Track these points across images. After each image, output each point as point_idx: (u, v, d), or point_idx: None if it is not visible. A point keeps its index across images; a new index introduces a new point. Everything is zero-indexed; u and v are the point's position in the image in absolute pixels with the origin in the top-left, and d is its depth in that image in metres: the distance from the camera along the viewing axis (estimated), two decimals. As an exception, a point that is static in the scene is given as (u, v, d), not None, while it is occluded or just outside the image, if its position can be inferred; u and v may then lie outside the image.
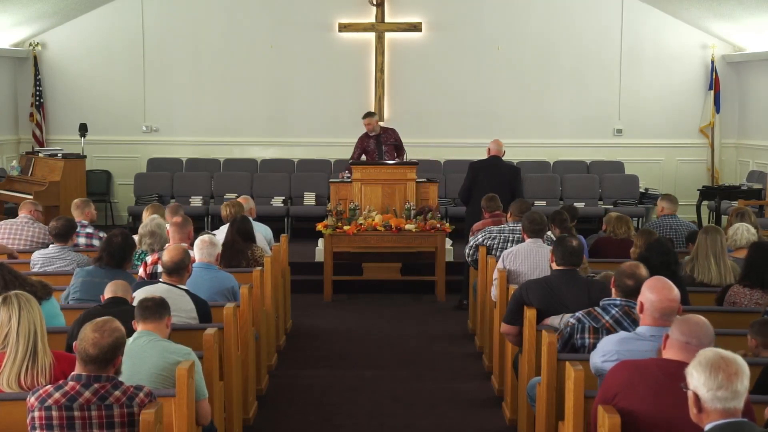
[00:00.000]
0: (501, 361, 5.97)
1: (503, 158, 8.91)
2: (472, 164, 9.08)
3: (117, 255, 5.40)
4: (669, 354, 3.29)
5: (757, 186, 11.24)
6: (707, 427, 2.73)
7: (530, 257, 5.97)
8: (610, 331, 4.21)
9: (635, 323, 4.24)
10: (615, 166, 12.23)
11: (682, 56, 12.36)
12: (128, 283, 4.65)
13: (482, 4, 12.25)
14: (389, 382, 6.37)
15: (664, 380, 3.18)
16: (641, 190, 11.92)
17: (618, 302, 4.31)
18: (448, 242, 9.28)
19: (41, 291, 4.67)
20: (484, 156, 9.00)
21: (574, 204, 10.82)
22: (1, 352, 3.68)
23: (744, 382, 2.72)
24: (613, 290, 4.37)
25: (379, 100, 12.21)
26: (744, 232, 6.06)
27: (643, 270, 4.33)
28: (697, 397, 2.75)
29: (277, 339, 7.00)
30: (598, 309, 4.35)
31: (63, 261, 6.24)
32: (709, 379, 2.71)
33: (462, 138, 12.07)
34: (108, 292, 4.50)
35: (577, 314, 4.38)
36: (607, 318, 4.29)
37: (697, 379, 2.74)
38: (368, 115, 10.11)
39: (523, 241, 6.21)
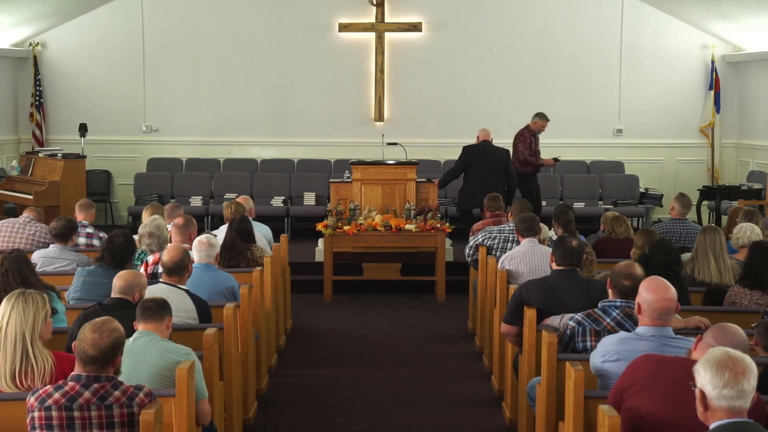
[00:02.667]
0: (501, 361, 5.97)
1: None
2: (465, 148, 9.67)
3: (118, 255, 5.41)
4: (697, 356, 3.28)
5: (757, 186, 11.25)
6: (712, 426, 2.73)
7: (527, 258, 6.00)
8: (612, 333, 4.20)
9: (637, 325, 4.24)
10: (615, 166, 12.23)
11: (682, 56, 12.36)
12: (135, 278, 4.53)
13: (482, 4, 12.25)
14: (389, 382, 6.37)
15: (685, 378, 3.17)
16: (641, 190, 11.92)
17: (618, 303, 4.30)
18: (448, 242, 9.28)
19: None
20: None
21: (575, 204, 10.88)
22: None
23: (751, 382, 2.72)
24: (610, 291, 4.37)
25: (379, 100, 12.21)
26: (747, 231, 6.04)
27: (638, 269, 4.35)
28: (703, 395, 2.75)
29: (277, 339, 7.00)
30: (598, 311, 4.34)
31: (63, 261, 6.24)
32: (715, 377, 2.71)
33: (462, 138, 11.95)
34: (114, 291, 4.46)
35: (576, 316, 4.37)
36: (608, 320, 4.29)
37: (703, 377, 2.74)
38: (547, 118, 10.09)
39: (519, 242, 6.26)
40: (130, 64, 12.29)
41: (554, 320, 4.76)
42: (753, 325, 4.55)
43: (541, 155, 10.05)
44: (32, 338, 3.68)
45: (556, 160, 10.24)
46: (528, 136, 10.01)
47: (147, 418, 3.26)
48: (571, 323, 4.35)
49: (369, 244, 8.88)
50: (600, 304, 4.37)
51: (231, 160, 12.36)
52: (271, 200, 11.44)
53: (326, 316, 8.30)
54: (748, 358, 2.77)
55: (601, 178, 11.95)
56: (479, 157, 9.44)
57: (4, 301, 3.75)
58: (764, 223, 7.06)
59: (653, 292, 3.75)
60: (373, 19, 12.11)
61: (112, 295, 4.47)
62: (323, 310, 8.52)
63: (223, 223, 7.18)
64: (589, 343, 4.29)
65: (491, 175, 9.30)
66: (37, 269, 6.16)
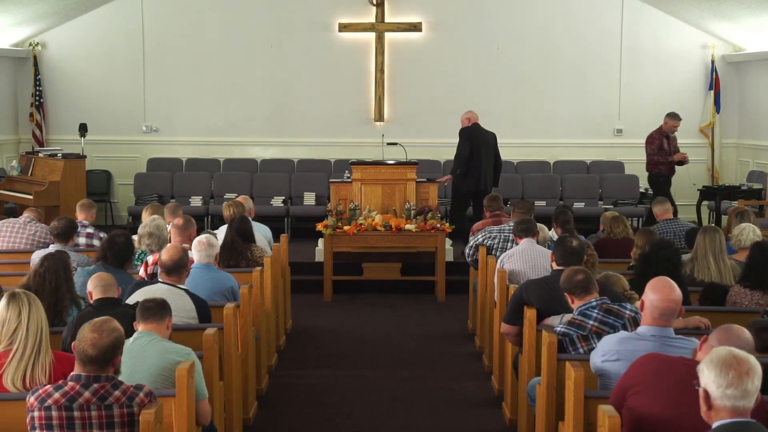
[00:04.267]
0: (501, 361, 5.97)
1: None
2: (465, 130, 9.77)
3: (120, 255, 5.43)
4: (702, 357, 3.28)
5: (757, 186, 11.24)
6: (714, 425, 2.73)
7: (525, 255, 6.03)
8: (599, 334, 4.23)
9: (619, 317, 4.28)
10: (615, 166, 12.22)
11: (682, 56, 12.36)
12: (111, 276, 4.59)
13: (482, 4, 12.25)
14: (389, 382, 6.37)
15: (688, 378, 3.17)
16: (641, 190, 11.91)
17: (594, 303, 4.36)
18: (448, 242, 9.28)
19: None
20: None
21: (574, 204, 10.88)
22: (5, 350, 3.67)
23: (755, 382, 2.71)
24: (574, 299, 4.44)
25: (379, 100, 12.21)
26: (750, 233, 6.03)
27: (581, 267, 4.54)
28: (707, 394, 2.75)
29: (277, 339, 7.00)
30: (578, 317, 4.37)
31: (63, 261, 6.23)
32: (719, 377, 2.71)
33: (462, 138, 12.06)
34: (96, 292, 4.46)
35: (558, 329, 4.39)
36: (591, 322, 4.32)
37: (707, 376, 2.74)
38: (679, 117, 10.19)
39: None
40: (130, 64, 12.29)
41: (554, 320, 4.77)
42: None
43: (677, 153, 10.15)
44: (47, 333, 3.72)
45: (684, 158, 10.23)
46: (658, 138, 10.16)
47: (147, 418, 3.26)
48: (557, 337, 4.36)
49: (369, 244, 8.88)
50: (577, 310, 4.39)
51: (231, 160, 12.35)
52: (271, 200, 11.44)
53: (326, 316, 8.30)
54: (752, 358, 2.77)
55: (601, 178, 11.95)
56: (478, 138, 9.70)
57: (12, 301, 3.72)
58: (763, 223, 7.08)
59: (658, 291, 3.74)
60: (373, 19, 12.11)
61: (96, 297, 4.45)
62: (323, 310, 8.52)
63: (223, 223, 7.18)
64: (581, 350, 4.31)
65: (486, 156, 9.69)
66: (37, 269, 6.18)
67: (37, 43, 12.25)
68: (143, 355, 3.86)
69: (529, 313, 4.87)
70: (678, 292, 3.76)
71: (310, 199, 11.47)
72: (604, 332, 4.22)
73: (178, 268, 4.93)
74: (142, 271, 5.78)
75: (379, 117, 12.22)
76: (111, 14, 12.23)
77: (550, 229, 7.00)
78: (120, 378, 3.38)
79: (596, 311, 4.33)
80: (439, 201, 9.88)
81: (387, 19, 12.09)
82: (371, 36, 12.18)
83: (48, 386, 3.31)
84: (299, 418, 5.67)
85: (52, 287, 4.68)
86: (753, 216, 6.96)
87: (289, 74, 12.32)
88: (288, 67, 12.29)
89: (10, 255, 6.88)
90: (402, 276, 9.06)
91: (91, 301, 4.48)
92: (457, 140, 9.89)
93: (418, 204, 9.25)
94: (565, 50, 12.29)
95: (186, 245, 5.71)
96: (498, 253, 6.67)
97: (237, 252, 6.42)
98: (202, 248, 5.52)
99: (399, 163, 9.61)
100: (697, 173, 12.45)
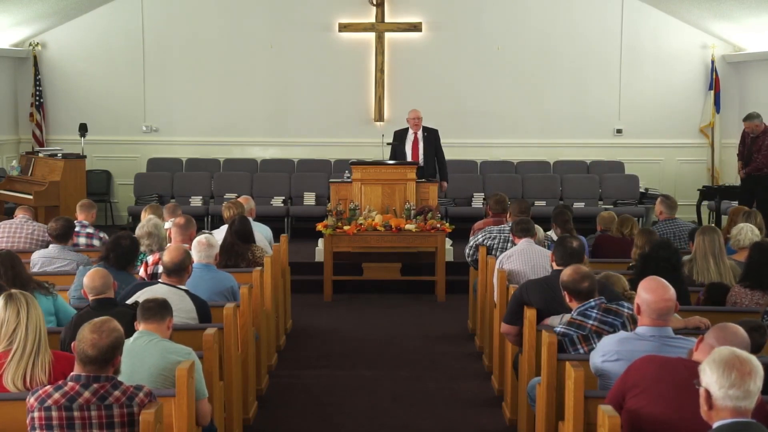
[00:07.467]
0: (501, 361, 5.97)
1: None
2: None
3: (123, 258, 5.42)
4: (699, 356, 3.28)
5: (757, 186, 11.22)
6: (715, 425, 2.73)
7: (524, 256, 6.03)
8: (599, 333, 4.24)
9: (618, 315, 4.29)
10: (615, 166, 12.22)
11: (682, 56, 12.36)
12: (103, 276, 4.56)
13: (482, 4, 12.25)
14: (389, 382, 6.37)
15: (688, 380, 3.17)
16: (641, 190, 11.91)
17: (593, 303, 4.36)
18: (448, 242, 9.28)
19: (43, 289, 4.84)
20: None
21: (574, 204, 10.87)
22: (5, 350, 3.67)
23: (757, 383, 2.71)
24: (574, 302, 4.44)
25: (379, 100, 12.21)
26: (748, 233, 6.02)
27: (584, 267, 4.50)
28: (708, 394, 2.74)
29: (277, 339, 7.00)
30: (577, 317, 4.38)
31: (63, 261, 6.25)
32: (721, 377, 2.71)
33: (462, 138, 12.06)
34: (91, 292, 4.45)
35: (558, 329, 4.40)
36: (590, 322, 4.33)
37: (709, 377, 2.74)
38: (750, 117, 10.13)
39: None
40: (130, 64, 12.29)
41: (554, 320, 4.77)
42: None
43: (757, 156, 10.01)
44: (45, 332, 3.72)
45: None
46: (742, 136, 10.25)
47: (147, 418, 3.26)
48: (557, 337, 4.36)
49: (369, 244, 8.87)
50: (576, 310, 4.40)
51: (231, 160, 12.35)
52: (271, 200, 11.44)
53: (326, 316, 8.30)
54: (754, 359, 2.77)
55: (601, 178, 11.95)
56: None
57: (10, 301, 3.72)
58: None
59: (652, 292, 3.75)
60: (373, 19, 12.11)
61: (92, 297, 4.44)
62: (323, 310, 8.52)
63: (223, 223, 7.17)
64: (581, 350, 4.31)
65: None
66: (37, 269, 6.19)
67: (37, 43, 12.25)
68: (143, 355, 3.86)
69: (529, 313, 4.87)
70: (672, 291, 3.77)
71: (310, 199, 11.47)
72: (604, 331, 4.23)
73: (179, 270, 4.92)
74: (142, 272, 5.78)
75: (379, 117, 12.22)
76: (111, 14, 12.23)
77: (549, 230, 7.01)
78: (120, 378, 3.38)
79: (595, 311, 4.34)
80: (439, 201, 9.87)
81: (387, 19, 12.09)
82: (371, 36, 12.19)
83: (48, 386, 3.31)
84: (299, 418, 5.67)
85: (14, 273, 4.83)
86: (760, 216, 6.91)
87: (289, 74, 12.32)
88: (288, 67, 12.29)
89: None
90: (402, 276, 9.06)
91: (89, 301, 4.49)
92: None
93: (418, 204, 9.25)
94: (565, 50, 12.29)
95: (186, 245, 5.71)
96: (498, 253, 6.67)
97: (236, 254, 6.42)
98: (202, 248, 5.52)
99: (399, 163, 9.61)
100: (697, 173, 12.46)
